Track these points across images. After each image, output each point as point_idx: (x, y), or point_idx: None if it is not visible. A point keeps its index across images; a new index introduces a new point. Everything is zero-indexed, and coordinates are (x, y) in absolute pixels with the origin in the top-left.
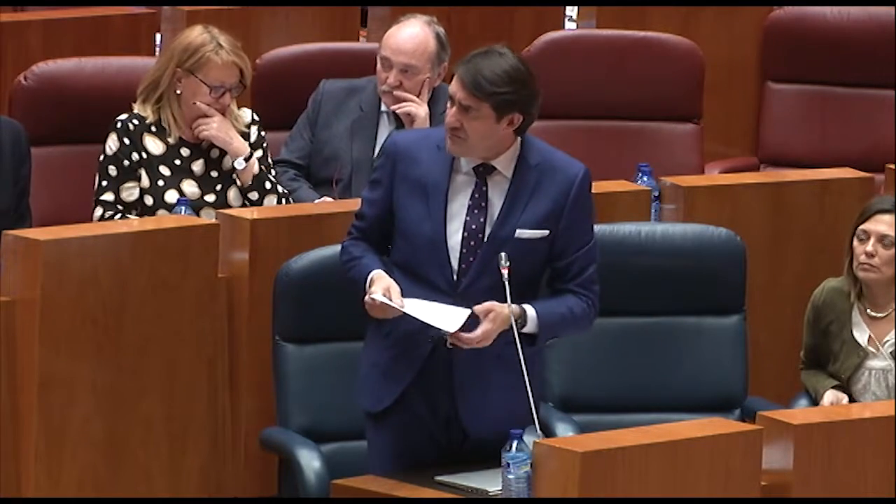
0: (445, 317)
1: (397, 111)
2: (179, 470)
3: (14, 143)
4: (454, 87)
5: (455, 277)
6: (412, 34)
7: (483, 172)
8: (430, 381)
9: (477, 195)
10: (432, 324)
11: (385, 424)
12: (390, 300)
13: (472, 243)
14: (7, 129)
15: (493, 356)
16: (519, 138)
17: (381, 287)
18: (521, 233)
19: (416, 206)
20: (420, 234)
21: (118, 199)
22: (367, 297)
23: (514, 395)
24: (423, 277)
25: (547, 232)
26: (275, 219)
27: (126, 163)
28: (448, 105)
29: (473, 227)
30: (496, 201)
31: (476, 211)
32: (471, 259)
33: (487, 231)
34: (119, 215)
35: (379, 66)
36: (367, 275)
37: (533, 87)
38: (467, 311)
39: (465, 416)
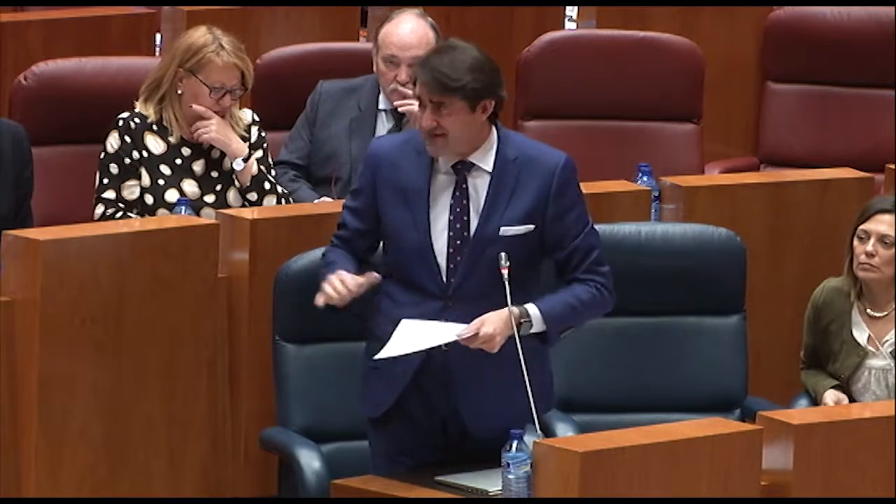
0: (441, 333)
1: (400, 109)
2: (179, 470)
3: (15, 146)
4: (420, 91)
5: (445, 279)
6: (413, 28)
7: (462, 169)
8: (428, 383)
9: (458, 193)
10: (430, 346)
11: (385, 428)
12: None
13: (459, 242)
14: (8, 131)
15: (488, 354)
16: (495, 131)
17: (339, 277)
18: (506, 230)
19: (400, 212)
20: (406, 240)
21: (119, 197)
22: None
23: (514, 393)
24: (414, 284)
25: (532, 227)
26: (275, 219)
27: (127, 161)
28: (419, 110)
29: (458, 225)
30: (478, 198)
31: (458, 209)
32: (458, 258)
33: (472, 228)
34: (120, 213)
35: (382, 66)
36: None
37: (495, 70)
38: (461, 325)
39: (466, 416)
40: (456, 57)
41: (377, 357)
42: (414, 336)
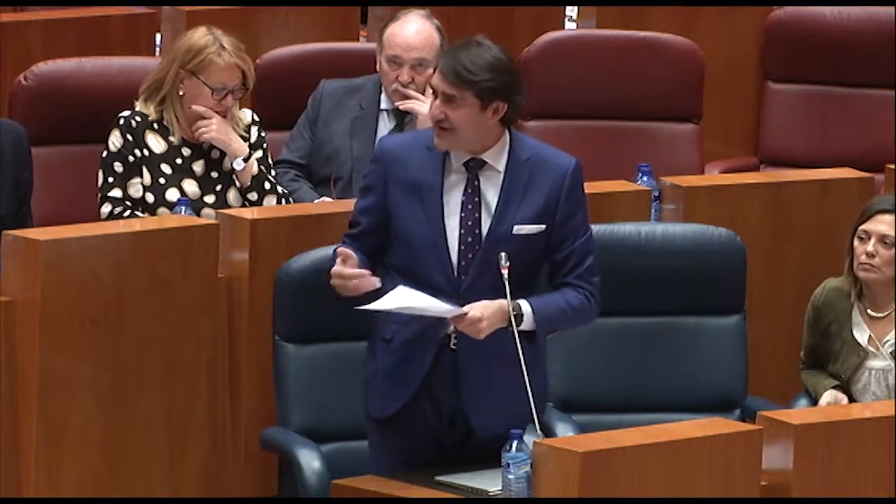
0: (433, 305)
1: (402, 108)
2: (179, 470)
3: (15, 146)
4: (436, 80)
5: (456, 275)
6: (418, 29)
7: (474, 167)
8: (436, 384)
9: (470, 190)
10: (427, 313)
11: (392, 429)
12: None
13: (470, 240)
14: (8, 131)
15: (495, 352)
16: (507, 132)
17: (349, 262)
18: (520, 229)
19: (412, 208)
20: (419, 236)
21: (126, 195)
22: (332, 270)
23: (519, 392)
24: (423, 279)
25: (544, 226)
26: (275, 219)
27: (130, 159)
28: (432, 98)
29: (469, 223)
30: (490, 196)
31: (470, 206)
32: (470, 256)
33: (484, 227)
34: (128, 212)
35: (385, 66)
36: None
37: (515, 74)
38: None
39: (471, 414)
40: (479, 53)
41: (364, 307)
42: (407, 299)
